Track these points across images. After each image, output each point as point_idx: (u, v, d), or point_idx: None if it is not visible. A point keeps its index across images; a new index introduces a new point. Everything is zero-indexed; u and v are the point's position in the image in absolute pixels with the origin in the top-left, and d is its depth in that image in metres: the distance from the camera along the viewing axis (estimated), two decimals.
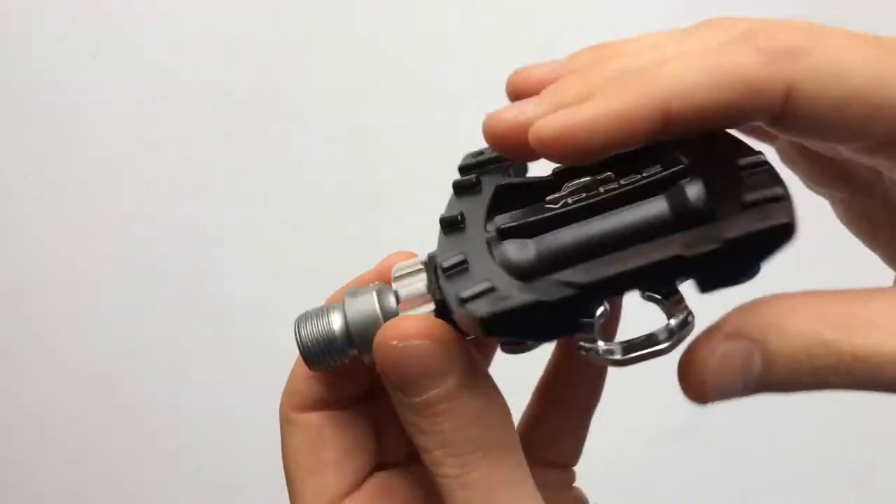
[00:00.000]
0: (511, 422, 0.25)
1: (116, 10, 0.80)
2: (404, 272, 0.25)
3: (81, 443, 0.85)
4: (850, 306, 0.22)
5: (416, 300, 0.25)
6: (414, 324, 0.23)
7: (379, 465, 0.29)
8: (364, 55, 0.80)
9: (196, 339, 0.82)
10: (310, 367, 0.26)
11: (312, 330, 0.25)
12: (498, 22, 0.79)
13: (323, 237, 0.80)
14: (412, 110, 0.78)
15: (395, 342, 0.23)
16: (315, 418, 0.28)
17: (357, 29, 0.80)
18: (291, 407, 0.28)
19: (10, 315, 0.84)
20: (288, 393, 0.28)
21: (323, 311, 0.26)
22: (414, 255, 0.27)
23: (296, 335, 0.26)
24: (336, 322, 0.25)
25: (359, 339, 0.25)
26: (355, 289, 0.26)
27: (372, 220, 0.79)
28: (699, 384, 0.23)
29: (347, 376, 0.28)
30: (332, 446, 0.27)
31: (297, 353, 0.27)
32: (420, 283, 0.25)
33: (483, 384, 0.24)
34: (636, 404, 0.79)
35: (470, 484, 0.23)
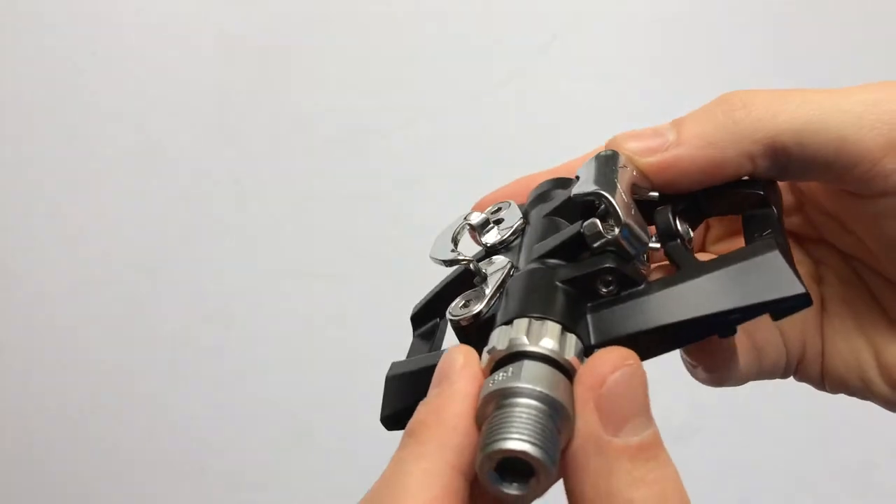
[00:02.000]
0: None
1: (116, 10, 0.80)
2: (524, 333, 0.22)
3: (82, 443, 0.85)
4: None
5: (566, 341, 0.23)
6: (619, 351, 0.21)
7: None
8: (364, 55, 0.80)
9: (196, 339, 0.82)
10: (550, 470, 0.20)
11: (539, 430, 0.20)
12: (498, 22, 0.79)
13: (323, 237, 0.80)
14: (412, 110, 0.78)
15: (630, 361, 0.21)
16: None
17: (357, 29, 0.80)
18: None
19: (10, 315, 0.84)
20: None
21: (521, 411, 0.21)
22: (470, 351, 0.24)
23: (535, 458, 0.20)
24: (544, 412, 0.21)
25: (561, 403, 0.21)
26: (496, 382, 0.22)
27: (372, 221, 0.79)
28: (628, 149, 0.28)
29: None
30: None
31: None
32: (553, 327, 0.23)
33: None
34: None
35: None
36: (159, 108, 0.81)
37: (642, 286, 0.25)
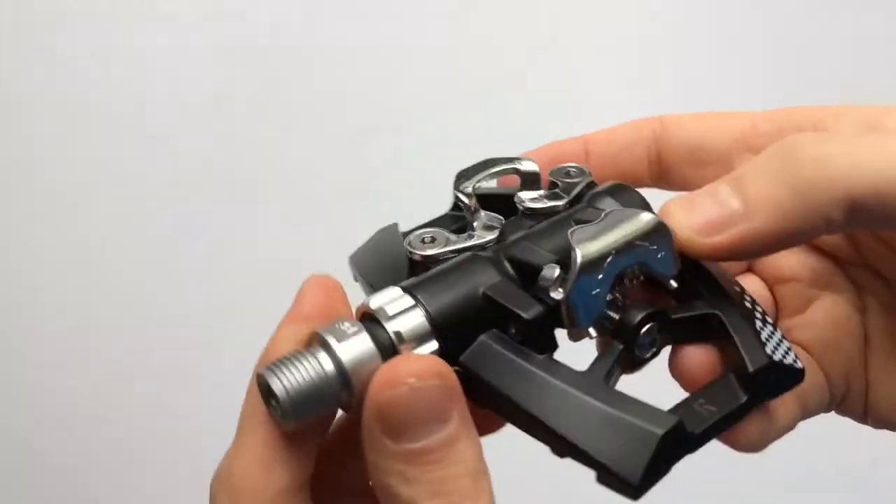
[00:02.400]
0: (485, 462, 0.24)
1: (117, 11, 0.80)
2: (396, 310, 0.23)
3: (81, 443, 0.85)
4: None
5: (419, 337, 0.23)
6: (426, 362, 0.22)
7: None
8: (364, 55, 0.80)
9: (196, 339, 0.82)
10: (287, 422, 0.23)
11: (297, 377, 0.22)
12: (498, 22, 0.79)
13: (323, 237, 0.80)
14: (412, 110, 0.78)
15: (411, 379, 0.21)
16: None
17: (357, 29, 0.80)
18: None
19: (10, 314, 0.84)
20: (233, 490, 0.24)
21: (304, 356, 0.23)
22: (330, 278, 0.26)
23: (278, 391, 0.22)
24: (327, 364, 0.22)
25: (356, 380, 0.23)
26: (330, 327, 0.23)
27: (372, 221, 0.79)
28: (679, 225, 0.25)
29: (310, 455, 0.24)
30: None
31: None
32: (419, 318, 0.23)
33: (472, 426, 0.23)
34: None
35: None
36: (159, 108, 0.81)
37: (543, 357, 0.23)
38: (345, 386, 0.22)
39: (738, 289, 0.27)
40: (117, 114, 0.81)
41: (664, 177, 0.31)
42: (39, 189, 0.82)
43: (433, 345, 0.23)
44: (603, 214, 0.25)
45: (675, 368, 0.27)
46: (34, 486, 0.86)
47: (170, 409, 0.83)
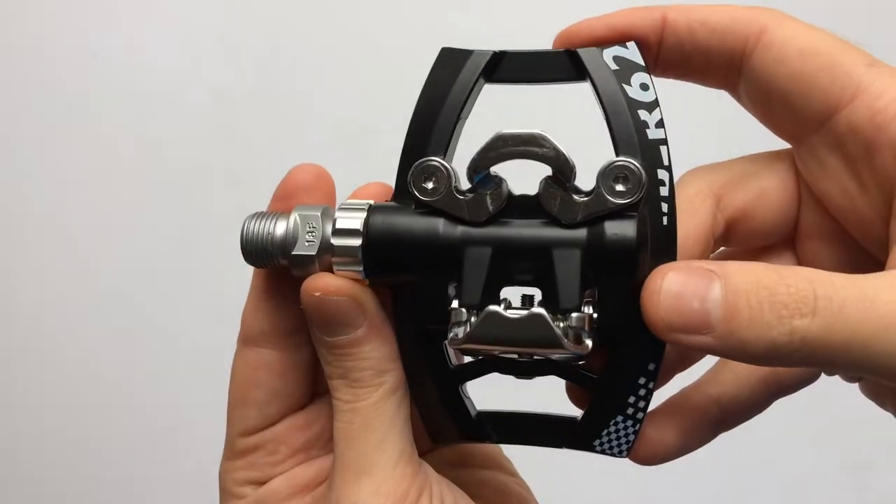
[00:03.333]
0: (400, 368, 0.29)
1: (116, 10, 0.80)
2: (351, 205, 0.28)
3: (81, 443, 0.85)
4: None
5: (347, 233, 0.28)
6: (333, 282, 0.28)
7: (301, 402, 0.32)
8: (364, 55, 0.80)
9: (195, 339, 0.82)
10: (245, 259, 0.30)
11: (256, 229, 0.29)
12: (498, 22, 0.79)
13: None
14: (412, 110, 0.78)
15: (317, 294, 0.28)
16: (254, 356, 0.31)
17: (357, 28, 0.80)
18: (240, 339, 0.31)
19: (10, 314, 0.84)
20: (241, 325, 0.32)
21: (273, 217, 0.29)
22: (320, 169, 0.31)
23: (241, 233, 0.30)
24: (279, 229, 0.29)
25: (290, 254, 0.28)
26: (306, 206, 0.29)
27: None
28: (654, 313, 0.25)
29: (290, 310, 0.30)
30: (263, 387, 0.31)
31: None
32: (357, 219, 0.28)
33: (384, 336, 0.29)
34: None
35: (356, 410, 0.28)
36: (159, 109, 0.81)
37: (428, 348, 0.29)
38: (284, 255, 0.28)
39: (641, 381, 0.27)
40: (117, 114, 0.81)
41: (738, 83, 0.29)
42: (39, 189, 0.82)
43: (358, 266, 0.28)
44: (524, 313, 0.26)
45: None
46: (33, 486, 0.86)
47: (170, 409, 0.83)
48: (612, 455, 0.28)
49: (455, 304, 0.27)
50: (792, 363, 0.24)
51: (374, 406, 0.28)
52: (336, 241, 0.28)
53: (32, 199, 0.83)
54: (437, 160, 0.28)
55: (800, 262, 0.31)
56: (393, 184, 0.29)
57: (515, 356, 0.28)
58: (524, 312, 0.25)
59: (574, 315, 0.25)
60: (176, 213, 0.82)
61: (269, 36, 0.80)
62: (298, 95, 0.81)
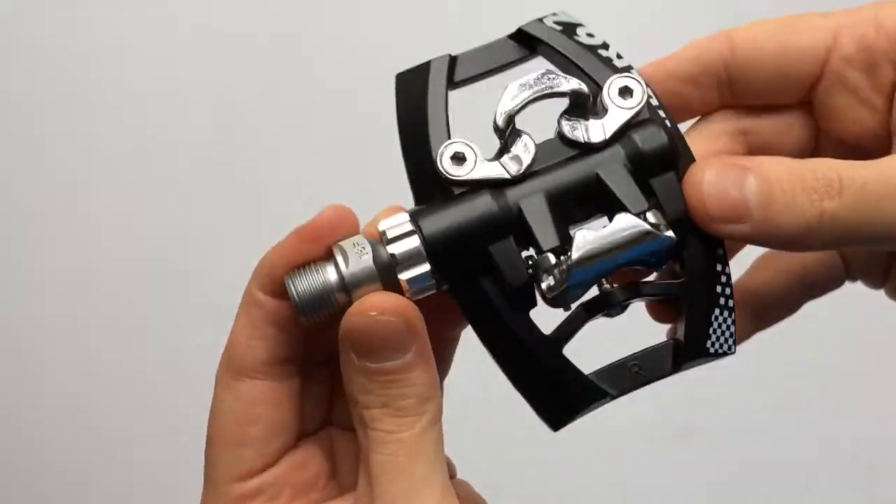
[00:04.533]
0: (441, 396, 0.28)
1: (116, 10, 0.80)
2: (397, 233, 0.27)
3: (81, 443, 0.85)
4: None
5: (412, 263, 0.27)
6: (391, 301, 0.26)
7: (295, 438, 0.30)
8: (365, 55, 0.80)
9: (195, 339, 0.82)
10: (302, 319, 0.28)
11: (309, 284, 0.27)
12: (498, 22, 0.79)
13: None
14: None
15: (373, 313, 0.26)
16: (250, 389, 0.29)
17: (358, 28, 0.80)
18: (230, 372, 0.29)
19: (9, 314, 0.84)
20: (227, 356, 0.29)
21: (317, 266, 0.28)
22: (348, 210, 0.29)
23: (292, 292, 0.27)
24: (330, 273, 0.27)
25: (356, 293, 0.27)
26: (344, 244, 0.28)
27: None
28: (701, 204, 0.26)
29: (289, 339, 0.29)
30: (262, 423, 0.29)
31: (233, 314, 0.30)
32: (413, 242, 0.27)
33: (431, 361, 0.27)
34: (635, 405, 0.79)
35: (402, 441, 0.26)
36: (159, 108, 0.81)
37: (520, 314, 0.27)
38: (347, 296, 0.27)
39: (719, 268, 0.28)
40: (117, 114, 0.81)
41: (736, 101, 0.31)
42: (39, 189, 0.82)
43: (425, 266, 0.27)
44: (609, 224, 0.26)
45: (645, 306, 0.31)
46: (32, 486, 0.86)
47: (170, 408, 0.83)
48: (725, 353, 0.28)
49: (534, 255, 0.27)
50: (824, 244, 0.26)
51: (419, 436, 0.27)
52: (394, 249, 0.27)
53: (32, 198, 0.83)
54: (458, 141, 0.28)
55: None
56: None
57: (607, 286, 0.28)
58: (609, 223, 0.27)
59: (648, 214, 0.27)
60: (176, 213, 0.82)
61: (269, 36, 0.80)
62: (299, 95, 0.81)
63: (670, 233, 0.26)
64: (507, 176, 0.27)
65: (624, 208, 0.26)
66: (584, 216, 0.28)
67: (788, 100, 0.30)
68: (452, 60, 0.30)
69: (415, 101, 0.30)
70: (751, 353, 0.85)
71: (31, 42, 0.80)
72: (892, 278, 0.33)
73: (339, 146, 0.81)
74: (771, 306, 0.33)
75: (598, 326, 0.29)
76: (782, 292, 0.33)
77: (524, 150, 0.28)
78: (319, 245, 0.28)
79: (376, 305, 0.26)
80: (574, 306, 0.28)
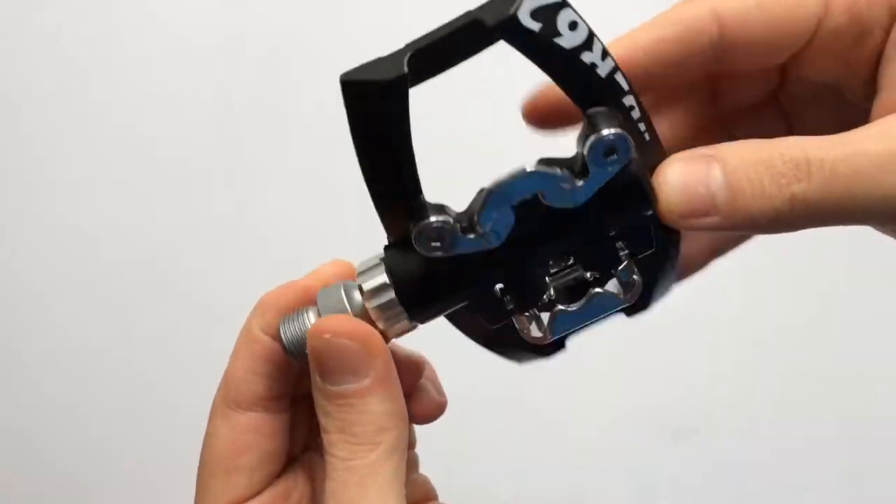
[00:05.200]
0: (405, 428, 0.28)
1: (116, 10, 0.80)
2: (366, 267, 0.28)
3: (80, 443, 0.85)
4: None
5: (378, 290, 0.28)
6: (346, 324, 0.27)
7: (281, 467, 0.31)
8: (365, 54, 0.80)
9: (195, 340, 0.82)
10: (293, 358, 0.29)
11: (294, 328, 0.29)
12: None
13: (323, 237, 0.80)
14: (412, 110, 0.78)
15: (326, 336, 0.27)
16: (246, 420, 0.29)
17: (358, 28, 0.80)
18: (227, 402, 0.30)
19: (10, 314, 0.84)
20: (225, 387, 0.30)
21: (302, 311, 0.29)
22: (348, 263, 0.31)
23: (280, 335, 0.29)
24: (312, 319, 0.29)
25: None
26: (325, 288, 0.29)
27: (372, 220, 0.79)
28: (667, 205, 0.26)
29: (285, 376, 0.30)
30: (254, 452, 0.29)
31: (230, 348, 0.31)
32: (380, 277, 0.28)
33: (391, 390, 0.27)
34: (635, 406, 0.79)
35: (352, 468, 0.26)
36: (158, 108, 0.81)
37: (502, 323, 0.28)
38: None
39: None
40: (117, 113, 0.81)
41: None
42: (38, 189, 0.82)
43: (389, 294, 0.28)
44: (587, 297, 0.28)
45: None
46: (32, 487, 0.86)
47: (169, 408, 0.83)
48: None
49: (513, 308, 0.28)
50: (797, 227, 0.26)
51: (371, 465, 0.26)
52: (370, 304, 0.28)
53: (32, 198, 0.82)
54: (435, 221, 0.26)
55: (788, 123, 0.32)
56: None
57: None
58: (584, 300, 0.28)
59: (618, 270, 0.28)
60: (175, 213, 0.82)
61: (269, 36, 0.80)
62: (299, 95, 0.81)
63: (637, 283, 0.28)
64: (489, 248, 0.27)
65: (594, 264, 0.28)
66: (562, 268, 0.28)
67: (767, 69, 0.30)
68: (411, 58, 0.26)
69: (376, 131, 0.28)
70: (751, 354, 0.85)
71: (28, 43, 0.80)
72: None
73: (340, 146, 0.81)
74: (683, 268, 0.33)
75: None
76: (694, 257, 0.33)
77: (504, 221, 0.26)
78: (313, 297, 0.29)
79: (330, 328, 0.27)
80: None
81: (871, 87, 0.28)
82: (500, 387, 0.77)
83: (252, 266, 0.81)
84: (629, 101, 0.26)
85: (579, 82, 0.26)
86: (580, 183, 0.26)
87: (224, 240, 0.82)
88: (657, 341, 0.77)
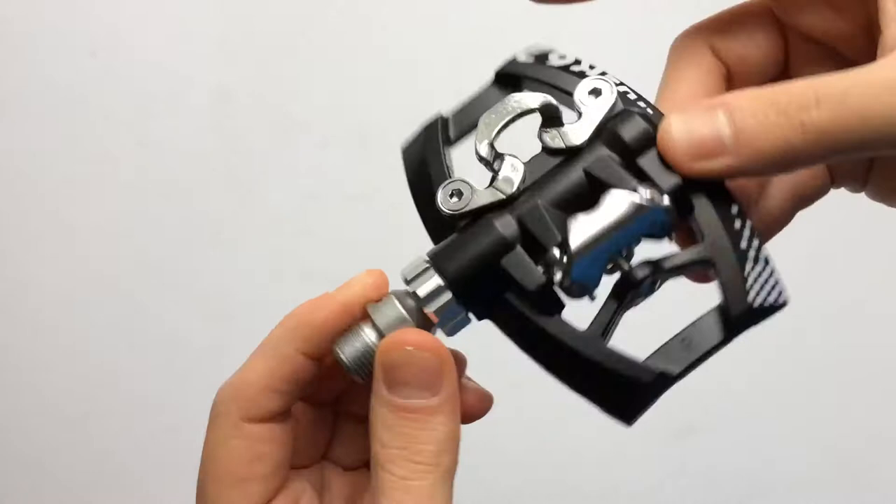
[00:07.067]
0: (458, 453, 0.27)
1: (116, 10, 0.80)
2: (415, 273, 0.28)
3: (79, 444, 0.85)
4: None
5: (435, 294, 0.28)
6: (427, 338, 0.27)
7: (287, 478, 0.31)
8: (364, 55, 0.80)
9: (195, 339, 0.82)
10: (360, 379, 0.29)
11: (355, 346, 0.29)
12: (498, 22, 0.79)
13: (323, 237, 0.80)
14: (412, 110, 0.78)
15: (409, 348, 0.27)
16: (259, 431, 0.29)
17: (358, 28, 0.80)
18: (240, 413, 0.29)
19: (10, 314, 0.84)
20: (242, 400, 0.29)
21: (357, 329, 0.29)
22: (380, 272, 0.30)
23: (340, 355, 0.29)
24: (371, 336, 0.29)
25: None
26: (375, 304, 0.29)
27: (372, 220, 0.79)
28: (673, 150, 0.26)
29: (302, 390, 0.30)
30: (267, 461, 0.29)
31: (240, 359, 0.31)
32: (431, 277, 0.28)
33: (455, 412, 0.27)
34: None
35: (411, 489, 0.26)
36: (159, 108, 0.81)
37: (552, 317, 0.27)
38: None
39: (738, 225, 0.27)
40: (117, 114, 0.81)
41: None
42: (38, 188, 0.82)
43: (447, 295, 0.28)
44: (601, 200, 0.27)
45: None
46: (31, 487, 0.86)
47: (169, 408, 0.83)
48: (776, 305, 0.27)
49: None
50: (810, 159, 0.25)
51: (429, 488, 0.26)
52: (415, 288, 0.28)
53: (32, 198, 0.82)
54: (454, 180, 0.29)
55: None
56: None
57: (624, 265, 0.27)
58: (602, 204, 0.27)
59: (640, 189, 0.27)
60: (175, 213, 0.82)
61: (269, 36, 0.80)
62: (298, 95, 0.81)
63: (665, 201, 0.27)
64: (503, 197, 0.28)
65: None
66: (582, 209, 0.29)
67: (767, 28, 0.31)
68: (444, 122, 0.32)
69: (416, 162, 0.32)
70: (751, 354, 0.85)
71: (31, 42, 0.80)
72: (873, 181, 0.32)
73: (339, 146, 0.81)
74: (768, 224, 0.32)
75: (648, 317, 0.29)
76: (776, 209, 0.32)
77: (513, 171, 0.29)
78: (359, 313, 0.29)
79: (411, 340, 0.27)
80: (602, 297, 0.28)
81: (868, 37, 0.28)
82: (500, 387, 0.77)
83: (253, 266, 0.81)
84: (619, 87, 0.30)
85: (571, 82, 0.30)
86: (575, 123, 0.29)
87: (223, 239, 0.82)
88: (658, 341, 0.76)
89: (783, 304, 0.27)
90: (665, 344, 0.27)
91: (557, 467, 0.82)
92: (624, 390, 0.26)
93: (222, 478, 0.29)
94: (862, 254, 0.77)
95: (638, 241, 0.28)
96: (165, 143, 0.81)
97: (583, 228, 0.27)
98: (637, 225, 0.27)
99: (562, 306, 0.28)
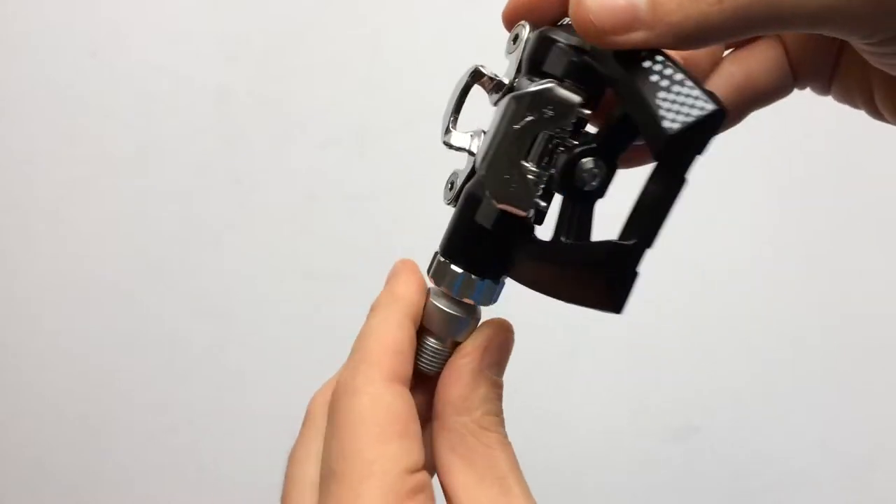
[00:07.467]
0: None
1: (116, 10, 0.80)
2: (437, 273, 0.32)
3: (79, 444, 0.85)
4: None
5: (460, 285, 0.31)
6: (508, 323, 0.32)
7: None
8: (364, 55, 0.80)
9: (195, 339, 0.82)
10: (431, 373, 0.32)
11: (429, 351, 0.32)
12: (498, 22, 0.79)
13: (323, 237, 0.80)
14: (412, 110, 0.78)
15: (511, 333, 0.31)
16: (404, 391, 0.30)
17: (358, 28, 0.80)
18: (384, 374, 0.29)
19: (10, 314, 0.84)
20: (385, 361, 0.30)
21: (428, 342, 0.32)
22: (414, 263, 0.33)
23: (423, 368, 0.32)
24: (439, 345, 0.32)
25: (454, 336, 0.32)
26: (431, 318, 0.32)
27: (372, 220, 0.79)
28: (586, 23, 0.25)
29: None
30: (418, 423, 0.30)
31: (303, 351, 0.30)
32: (451, 274, 0.31)
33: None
34: (636, 406, 0.79)
35: (508, 447, 0.31)
36: (159, 108, 0.81)
37: (527, 243, 0.30)
38: (452, 345, 0.32)
39: (646, 64, 0.26)
40: (117, 114, 0.81)
41: None
42: (38, 188, 0.82)
43: (469, 277, 0.31)
44: (493, 119, 0.30)
45: (627, 164, 0.30)
46: (31, 487, 0.86)
47: (169, 408, 0.83)
48: (701, 117, 0.24)
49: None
50: (727, 33, 0.24)
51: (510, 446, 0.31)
52: (463, 297, 0.31)
53: (32, 198, 0.83)
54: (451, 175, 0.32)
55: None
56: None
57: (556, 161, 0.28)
58: (535, 87, 0.29)
59: (522, 83, 0.30)
60: (175, 213, 0.82)
61: (269, 36, 0.80)
62: (298, 95, 0.81)
63: (534, 86, 0.28)
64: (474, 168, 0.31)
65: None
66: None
67: None
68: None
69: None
70: (751, 354, 0.85)
71: (31, 42, 0.80)
72: (837, 82, 0.31)
73: (339, 146, 0.81)
74: None
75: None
76: (728, 103, 0.31)
77: (480, 142, 0.31)
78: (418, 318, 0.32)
79: (507, 325, 0.31)
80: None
81: None
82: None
83: (253, 266, 0.81)
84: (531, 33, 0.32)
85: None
86: (518, 79, 0.31)
87: (223, 239, 0.82)
88: (658, 341, 0.77)
89: (709, 114, 0.24)
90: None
91: (557, 467, 0.82)
92: (599, 276, 0.25)
93: (376, 433, 0.28)
94: (862, 254, 0.77)
95: (556, 135, 0.28)
96: (165, 142, 0.81)
97: (482, 153, 0.30)
98: (528, 113, 0.28)
99: (531, 228, 0.30)
